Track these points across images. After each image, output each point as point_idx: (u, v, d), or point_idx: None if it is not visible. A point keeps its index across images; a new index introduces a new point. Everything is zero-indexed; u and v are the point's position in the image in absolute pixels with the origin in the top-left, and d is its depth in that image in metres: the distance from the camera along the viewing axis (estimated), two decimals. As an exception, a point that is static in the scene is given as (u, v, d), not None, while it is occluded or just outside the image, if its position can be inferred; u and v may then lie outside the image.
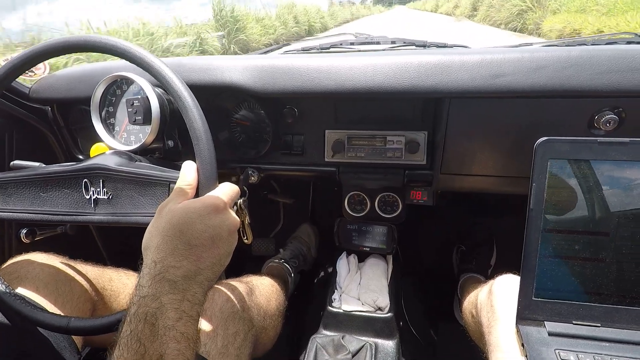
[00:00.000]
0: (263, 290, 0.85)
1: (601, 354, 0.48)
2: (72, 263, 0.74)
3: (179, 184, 0.54)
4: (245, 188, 0.92)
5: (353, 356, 0.91)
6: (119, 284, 0.79)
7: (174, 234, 0.47)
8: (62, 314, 0.63)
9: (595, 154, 0.51)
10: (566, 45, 0.87)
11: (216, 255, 0.49)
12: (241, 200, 0.93)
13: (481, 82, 0.70)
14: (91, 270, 0.76)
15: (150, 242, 0.48)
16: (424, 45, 1.03)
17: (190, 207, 0.49)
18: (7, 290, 0.59)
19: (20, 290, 0.62)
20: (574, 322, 0.53)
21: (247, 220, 0.97)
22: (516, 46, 0.98)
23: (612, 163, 0.51)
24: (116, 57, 0.63)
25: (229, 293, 0.73)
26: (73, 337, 0.65)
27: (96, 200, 0.62)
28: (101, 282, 0.76)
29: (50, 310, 0.61)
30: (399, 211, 1.02)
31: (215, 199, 0.52)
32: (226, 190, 0.55)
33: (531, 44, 0.99)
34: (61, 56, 0.66)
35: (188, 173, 0.54)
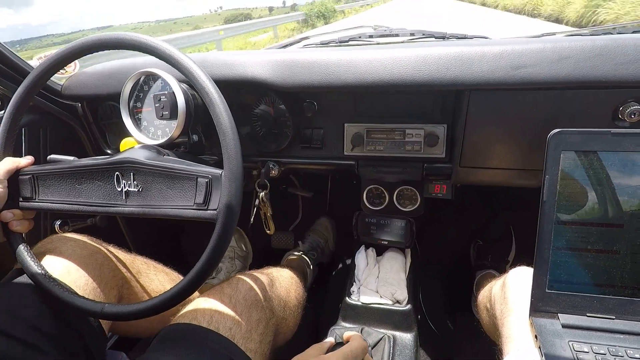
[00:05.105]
0: (283, 282, 0.87)
1: (615, 346, 0.48)
2: (105, 247, 0.77)
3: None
4: (267, 181, 0.96)
5: (372, 348, 0.93)
6: (145, 279, 0.82)
7: None
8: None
9: (608, 146, 0.51)
10: (591, 35, 0.85)
11: None
12: (263, 193, 0.96)
13: (502, 73, 0.70)
14: (123, 257, 0.79)
15: None
16: (443, 36, 1.03)
17: None
18: (44, 272, 0.62)
19: (51, 271, 0.65)
20: (587, 314, 0.53)
21: (269, 212, 1.01)
22: (538, 36, 0.96)
23: (625, 154, 0.50)
24: (145, 54, 0.66)
25: (251, 283, 0.75)
26: (101, 322, 0.68)
27: (127, 193, 0.64)
28: (130, 272, 0.79)
29: (79, 294, 0.64)
30: (417, 205, 1.02)
31: None
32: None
33: (554, 34, 0.97)
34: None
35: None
